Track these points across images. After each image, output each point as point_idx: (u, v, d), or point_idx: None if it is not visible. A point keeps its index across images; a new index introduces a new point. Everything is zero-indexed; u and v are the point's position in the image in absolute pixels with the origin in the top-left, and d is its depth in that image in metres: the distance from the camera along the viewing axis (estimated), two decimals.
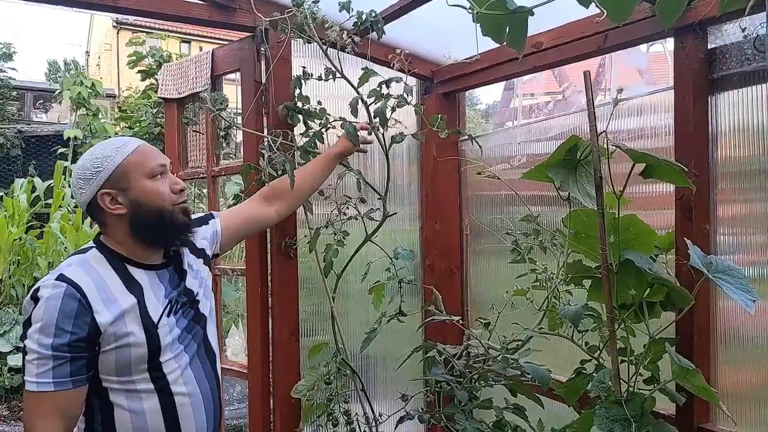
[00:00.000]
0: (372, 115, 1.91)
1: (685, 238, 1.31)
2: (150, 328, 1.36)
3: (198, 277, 1.53)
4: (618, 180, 1.31)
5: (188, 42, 17.20)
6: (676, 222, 1.49)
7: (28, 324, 1.28)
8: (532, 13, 0.97)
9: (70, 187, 1.41)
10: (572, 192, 1.34)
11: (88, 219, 5.43)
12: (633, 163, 1.27)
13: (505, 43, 1.03)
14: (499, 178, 1.60)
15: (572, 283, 1.47)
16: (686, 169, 1.19)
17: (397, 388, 2.37)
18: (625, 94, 1.64)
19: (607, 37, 1.64)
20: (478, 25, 1.04)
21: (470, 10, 1.00)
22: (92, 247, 1.41)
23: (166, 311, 1.40)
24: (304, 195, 1.93)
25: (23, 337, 1.29)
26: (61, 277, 1.30)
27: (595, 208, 1.32)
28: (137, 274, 1.39)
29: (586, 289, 1.50)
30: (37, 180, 6.32)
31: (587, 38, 1.68)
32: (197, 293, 1.50)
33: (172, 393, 1.38)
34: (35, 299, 1.28)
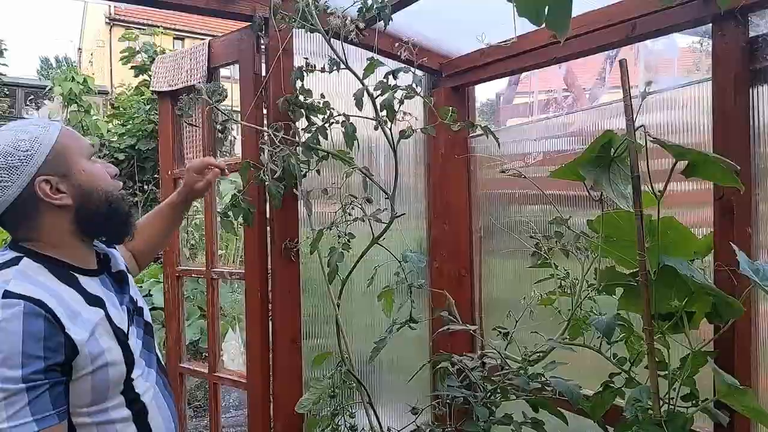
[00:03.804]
0: (378, 108, 1.79)
1: (731, 243, 1.20)
2: (122, 339, 1.16)
3: (131, 281, 1.34)
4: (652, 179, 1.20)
5: (182, 39, 17.03)
6: (715, 224, 1.37)
7: None
8: None
9: None
10: (605, 192, 1.23)
11: None
12: (675, 161, 1.16)
13: (544, 25, 0.92)
14: (524, 176, 1.48)
15: (605, 292, 1.35)
16: (738, 168, 1.08)
17: (402, 396, 2.26)
18: (653, 87, 1.53)
19: (636, 25, 1.52)
20: (513, 5, 0.92)
21: None
22: (20, 256, 1.12)
23: (129, 321, 1.23)
24: (149, 254, 1.64)
25: None
26: (10, 294, 1.03)
27: (631, 210, 1.21)
28: (89, 284, 1.17)
29: (615, 297, 1.39)
30: None
31: (614, 27, 1.56)
32: (137, 300, 1.32)
33: (147, 414, 1.19)
34: None
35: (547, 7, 0.90)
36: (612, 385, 1.46)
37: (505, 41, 1.51)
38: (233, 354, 3.91)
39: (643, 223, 1.17)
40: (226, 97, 1.79)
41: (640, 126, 1.18)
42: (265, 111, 1.98)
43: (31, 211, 1.11)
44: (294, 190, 1.86)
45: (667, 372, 1.32)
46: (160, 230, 1.65)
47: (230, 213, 1.82)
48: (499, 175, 2.17)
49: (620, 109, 1.81)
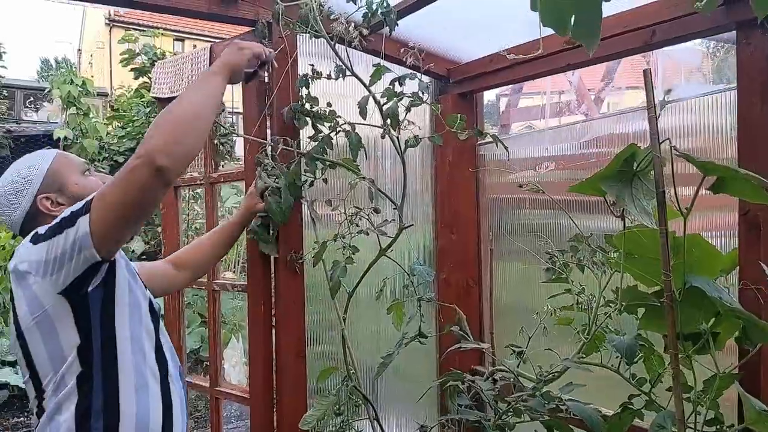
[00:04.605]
0: (385, 117, 1.73)
1: (760, 262, 1.15)
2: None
3: None
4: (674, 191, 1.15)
5: (182, 40, 16.97)
6: (740, 240, 1.32)
7: (52, 228, 1.19)
8: None
9: None
10: (628, 208, 1.17)
11: None
12: (702, 177, 1.10)
13: (570, 35, 0.86)
14: (543, 191, 1.42)
15: (627, 311, 1.29)
16: None
17: (409, 408, 2.20)
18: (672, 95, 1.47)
19: (655, 32, 1.46)
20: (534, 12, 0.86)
21: None
22: None
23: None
24: (207, 265, 1.85)
25: (54, 229, 1.19)
26: None
27: (654, 227, 1.15)
28: None
29: (635, 317, 1.33)
30: None
31: (632, 33, 1.51)
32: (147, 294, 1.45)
33: (169, 384, 1.36)
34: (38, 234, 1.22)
35: (573, 17, 0.85)
36: (631, 406, 1.40)
37: (524, 46, 1.44)
38: (234, 362, 3.85)
39: (668, 241, 1.11)
40: (224, 109, 1.73)
41: (665, 139, 1.12)
42: (269, 118, 1.93)
43: (40, 222, 1.29)
44: (285, 204, 1.80)
45: (689, 395, 1.26)
46: (218, 248, 1.80)
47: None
48: (509, 179, 2.12)
49: (633, 115, 1.78)
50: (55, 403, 1.21)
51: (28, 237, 1.24)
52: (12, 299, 1.26)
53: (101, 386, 1.22)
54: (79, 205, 1.19)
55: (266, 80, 1.91)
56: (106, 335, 1.24)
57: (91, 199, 1.17)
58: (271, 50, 1.58)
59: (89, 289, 1.20)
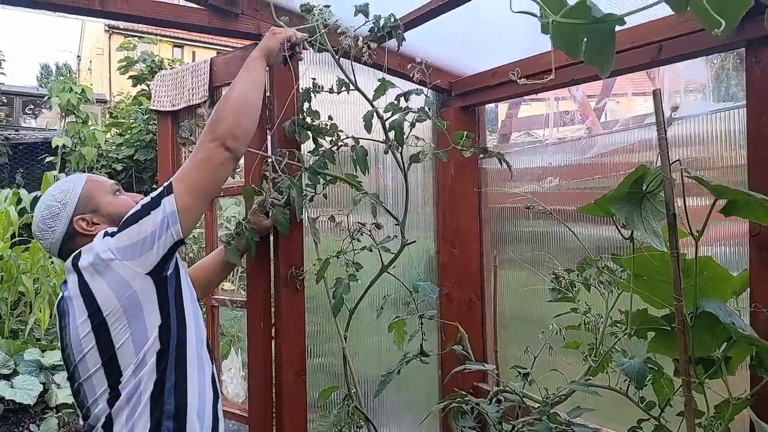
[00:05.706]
0: (387, 130, 1.71)
1: None
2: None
3: None
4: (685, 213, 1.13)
5: (181, 47, 17.01)
6: (751, 262, 1.29)
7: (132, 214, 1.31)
8: (623, 22, 0.78)
9: (36, 237, 1.46)
10: (637, 230, 1.15)
11: None
12: (714, 199, 1.08)
13: (582, 58, 0.84)
14: (551, 213, 1.40)
15: (637, 335, 1.27)
16: None
17: (407, 423, 2.17)
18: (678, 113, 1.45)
19: (662, 48, 1.44)
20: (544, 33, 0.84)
21: (541, 19, 0.81)
22: None
23: None
24: (214, 284, 1.90)
25: (138, 214, 1.30)
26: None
27: (663, 249, 1.13)
28: None
29: (644, 340, 1.30)
30: (22, 191, 6.02)
31: (638, 49, 1.49)
32: None
33: (212, 367, 1.46)
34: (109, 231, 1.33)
35: (585, 40, 0.82)
36: (639, 430, 1.37)
37: (528, 60, 1.42)
38: (233, 374, 3.81)
39: (679, 265, 1.09)
40: None
41: (676, 161, 1.10)
42: (269, 132, 1.90)
43: (78, 242, 1.39)
44: (299, 216, 1.78)
45: (701, 420, 1.23)
46: (224, 268, 1.80)
47: (232, 242, 1.73)
48: (510, 190, 2.10)
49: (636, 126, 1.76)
50: (135, 383, 1.29)
51: (100, 234, 1.33)
52: (85, 294, 1.30)
53: (174, 365, 1.32)
54: (157, 191, 1.34)
55: (267, 93, 1.88)
56: (179, 317, 1.35)
57: (170, 183, 1.33)
58: (302, 34, 1.67)
59: (168, 272, 1.33)
